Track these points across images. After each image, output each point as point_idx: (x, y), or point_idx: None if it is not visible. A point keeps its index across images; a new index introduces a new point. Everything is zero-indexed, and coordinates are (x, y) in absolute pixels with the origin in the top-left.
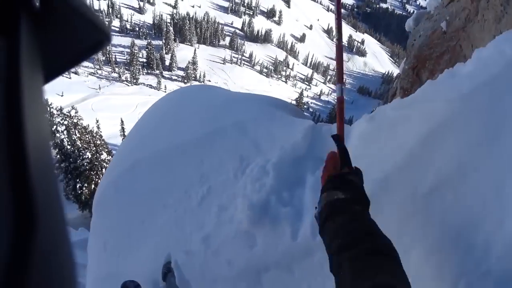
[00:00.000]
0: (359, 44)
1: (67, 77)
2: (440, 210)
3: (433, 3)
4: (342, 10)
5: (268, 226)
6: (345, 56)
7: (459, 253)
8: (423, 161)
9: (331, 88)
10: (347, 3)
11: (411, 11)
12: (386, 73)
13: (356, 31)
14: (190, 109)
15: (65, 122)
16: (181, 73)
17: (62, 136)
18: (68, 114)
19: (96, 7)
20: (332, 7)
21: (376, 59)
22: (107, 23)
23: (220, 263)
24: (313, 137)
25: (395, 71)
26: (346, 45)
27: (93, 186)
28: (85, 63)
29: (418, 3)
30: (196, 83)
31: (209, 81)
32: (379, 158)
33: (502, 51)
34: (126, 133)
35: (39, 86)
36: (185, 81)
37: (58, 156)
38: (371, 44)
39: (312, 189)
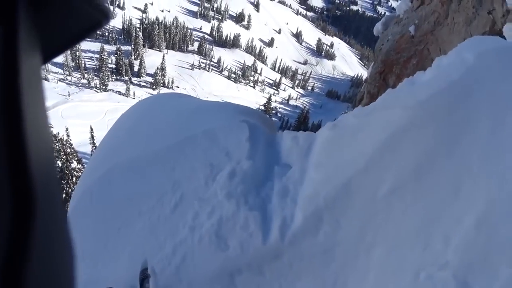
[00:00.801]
0: (327, 47)
1: None
2: (399, 209)
3: (403, 6)
4: (311, 14)
5: (238, 231)
6: (313, 59)
7: (419, 248)
8: (382, 165)
9: (299, 92)
10: (316, 6)
11: (382, 13)
12: (356, 76)
13: (325, 35)
14: (162, 117)
15: None
16: (149, 79)
17: None
18: None
19: None
20: (301, 10)
21: (346, 62)
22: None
23: (195, 267)
24: (279, 144)
25: (365, 74)
26: (315, 48)
27: (63, 195)
28: (55, 69)
29: (389, 5)
30: (165, 89)
31: (178, 87)
32: (341, 163)
33: (463, 58)
34: (95, 141)
35: (37, 68)
36: (154, 87)
37: None
38: (340, 47)
39: (278, 193)
